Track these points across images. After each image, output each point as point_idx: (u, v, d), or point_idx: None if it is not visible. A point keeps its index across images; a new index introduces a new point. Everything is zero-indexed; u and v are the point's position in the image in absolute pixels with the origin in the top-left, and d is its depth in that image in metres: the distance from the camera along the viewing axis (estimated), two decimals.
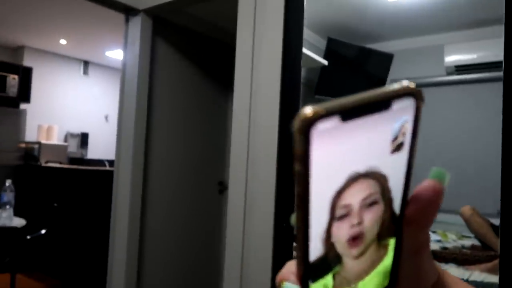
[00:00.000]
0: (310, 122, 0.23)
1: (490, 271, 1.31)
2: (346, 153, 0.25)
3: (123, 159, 2.34)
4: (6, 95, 4.91)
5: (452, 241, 1.62)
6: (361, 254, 0.30)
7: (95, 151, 6.06)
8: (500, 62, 1.21)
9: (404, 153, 0.28)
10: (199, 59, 2.76)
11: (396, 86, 0.26)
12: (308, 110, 0.23)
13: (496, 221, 1.21)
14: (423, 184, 0.29)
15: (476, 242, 1.52)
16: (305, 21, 1.59)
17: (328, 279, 0.30)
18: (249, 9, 1.72)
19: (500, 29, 1.18)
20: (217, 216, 2.86)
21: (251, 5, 1.72)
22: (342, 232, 0.28)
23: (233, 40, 1.82)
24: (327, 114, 0.23)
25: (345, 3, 2.01)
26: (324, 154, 0.24)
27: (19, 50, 5.51)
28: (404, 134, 0.27)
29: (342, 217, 0.28)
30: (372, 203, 0.28)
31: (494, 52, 1.28)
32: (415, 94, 0.27)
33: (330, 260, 0.29)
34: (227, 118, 2.89)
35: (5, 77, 4.89)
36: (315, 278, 0.29)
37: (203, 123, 2.83)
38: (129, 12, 2.34)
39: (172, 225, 2.61)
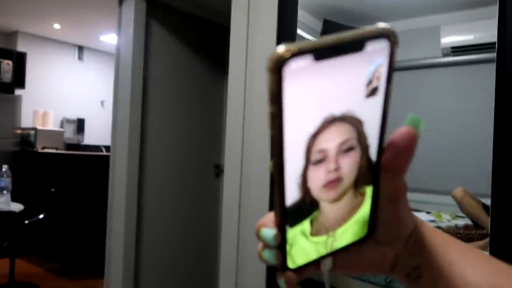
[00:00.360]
0: (283, 61, 0.23)
1: (482, 248, 1.33)
2: (320, 94, 0.25)
3: (119, 144, 2.34)
4: (1, 81, 4.86)
5: (446, 221, 1.64)
6: (338, 199, 0.30)
7: (91, 137, 6.04)
8: None
9: (379, 98, 0.28)
10: (194, 42, 2.74)
11: (370, 27, 0.26)
12: (280, 49, 0.23)
13: (489, 201, 1.23)
14: (398, 131, 0.29)
15: (469, 222, 1.53)
16: (300, 3, 1.58)
17: (306, 225, 0.30)
18: None
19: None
20: (214, 199, 2.87)
21: None
22: (318, 177, 0.28)
23: (227, 22, 1.80)
24: (300, 52, 0.23)
25: None
26: (298, 94, 0.24)
27: (12, 35, 5.44)
28: (378, 78, 0.27)
29: (318, 162, 0.27)
30: (349, 149, 0.28)
31: (491, 32, 1.27)
32: (390, 36, 0.26)
33: (307, 205, 0.29)
34: (223, 101, 2.88)
35: None
36: (293, 224, 0.29)
37: (199, 106, 2.82)
38: None
39: (169, 208, 2.62)
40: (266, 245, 0.30)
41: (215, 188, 2.88)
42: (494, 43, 1.26)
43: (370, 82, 0.27)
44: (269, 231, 0.29)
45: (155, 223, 2.52)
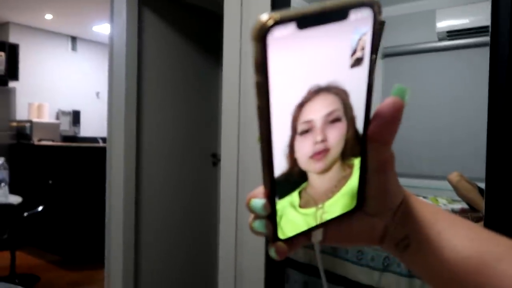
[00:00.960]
0: (266, 29, 0.23)
1: None
2: (305, 63, 0.25)
3: (115, 135, 2.33)
4: None
5: (443, 205, 1.65)
6: (326, 170, 0.30)
7: (88, 129, 6.02)
8: None
9: (364, 69, 0.27)
10: (187, 30, 2.71)
11: None
12: (263, 17, 0.23)
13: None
14: (384, 101, 0.29)
15: (465, 206, 1.55)
16: None
17: (294, 197, 0.30)
18: None
19: None
20: (212, 188, 2.88)
21: None
22: (305, 148, 0.28)
23: (221, 9, 1.78)
24: (283, 20, 0.23)
25: None
26: (283, 63, 0.24)
27: (4, 26, 5.37)
28: (363, 47, 0.27)
29: (305, 132, 0.28)
30: (335, 120, 0.28)
31: (487, 16, 1.26)
32: (373, 5, 0.26)
33: (295, 176, 0.29)
34: (218, 89, 2.87)
35: None
36: (282, 195, 0.29)
37: (195, 95, 2.80)
38: None
39: (167, 197, 2.63)
40: (257, 216, 0.30)
41: (213, 177, 2.88)
42: (489, 27, 1.25)
43: (354, 51, 0.26)
44: (259, 201, 0.29)
45: (154, 213, 2.52)
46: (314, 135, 0.28)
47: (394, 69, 2.08)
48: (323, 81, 0.26)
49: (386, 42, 2.03)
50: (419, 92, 1.97)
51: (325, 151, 0.29)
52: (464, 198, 1.51)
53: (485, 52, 1.21)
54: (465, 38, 1.93)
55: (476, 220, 1.38)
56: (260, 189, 0.30)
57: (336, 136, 0.29)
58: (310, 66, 0.25)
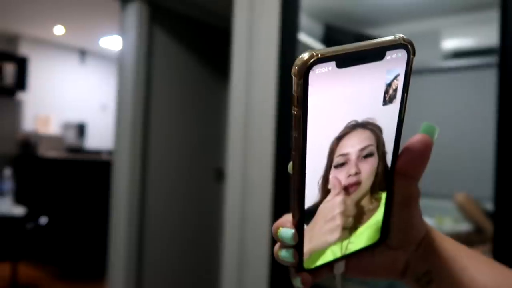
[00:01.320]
0: (308, 66, 0.24)
1: (484, 253, 1.33)
2: (342, 100, 0.26)
3: (121, 148, 2.34)
4: (3, 85, 4.88)
5: (449, 225, 1.64)
6: (356, 203, 0.31)
7: (93, 141, 6.05)
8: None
9: (395, 106, 0.29)
10: (196, 46, 2.75)
11: (390, 37, 0.27)
12: (306, 54, 0.24)
13: (491, 205, 1.22)
14: (414, 138, 0.30)
15: (471, 227, 1.53)
16: (302, 7, 1.58)
17: None
18: None
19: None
20: (215, 203, 2.87)
21: None
22: (339, 179, 0.29)
23: (229, 26, 1.81)
24: (324, 58, 0.24)
25: None
26: (321, 99, 0.25)
27: (14, 39, 5.46)
28: (396, 86, 0.28)
29: (340, 165, 0.29)
30: (368, 155, 0.30)
31: (492, 37, 1.27)
32: (408, 46, 0.27)
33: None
34: (225, 105, 2.89)
35: (1, 66, 4.86)
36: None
37: (201, 111, 2.82)
38: None
39: (171, 212, 2.62)
40: (283, 245, 0.30)
41: (217, 193, 2.88)
42: (495, 47, 1.26)
43: (388, 90, 0.28)
44: (288, 231, 0.30)
45: (158, 227, 2.52)
46: (348, 168, 0.29)
47: None
48: (359, 117, 0.28)
49: None
50: (425, 111, 1.98)
51: (357, 184, 0.30)
52: (470, 219, 1.50)
53: (491, 73, 1.22)
54: (470, 58, 1.94)
55: (482, 242, 1.37)
56: (288, 218, 0.30)
57: (368, 170, 0.30)
58: (346, 102, 0.26)
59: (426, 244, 0.33)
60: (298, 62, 0.24)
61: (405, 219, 0.32)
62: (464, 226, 1.56)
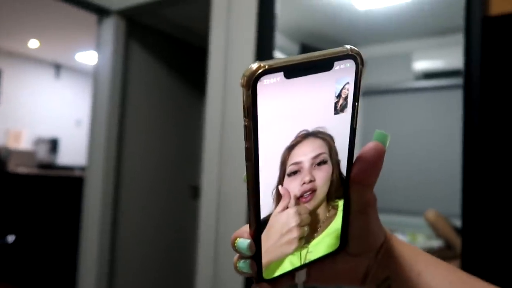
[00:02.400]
0: (256, 76, 0.24)
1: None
2: (292, 109, 0.26)
3: (94, 164, 2.29)
4: None
5: (421, 242, 1.66)
6: (312, 212, 0.31)
7: (66, 157, 5.90)
8: None
9: (347, 115, 0.29)
10: (173, 63, 2.75)
11: (338, 48, 0.28)
12: (253, 65, 0.24)
13: (460, 221, 1.25)
14: (366, 146, 0.30)
15: (443, 243, 1.56)
16: (278, 26, 1.61)
17: None
18: (221, 13, 1.73)
19: None
20: (191, 222, 2.83)
21: (223, 9, 1.73)
22: (293, 188, 0.29)
23: (206, 44, 1.82)
24: (271, 69, 0.24)
25: (317, 10, 2.05)
26: (271, 109, 0.25)
27: None
28: (346, 96, 0.28)
29: (293, 173, 0.29)
30: (322, 163, 0.30)
31: (460, 59, 1.32)
32: (356, 57, 0.28)
33: None
34: (200, 122, 2.89)
35: None
36: None
37: (176, 127, 2.81)
38: (101, 13, 2.31)
39: (145, 230, 2.57)
40: (241, 256, 0.30)
41: (193, 210, 2.84)
42: (462, 69, 1.31)
43: (338, 99, 0.28)
44: (244, 241, 0.29)
45: (130, 247, 2.46)
46: (302, 176, 0.29)
47: (373, 107, 2.14)
48: (310, 127, 0.28)
49: (366, 80, 2.10)
50: (397, 129, 2.03)
51: (312, 192, 0.30)
52: (440, 236, 1.54)
53: (458, 93, 1.26)
54: (439, 79, 2.02)
55: (452, 258, 1.40)
56: (245, 229, 0.30)
57: (322, 177, 0.30)
58: (297, 112, 0.27)
59: (386, 250, 0.34)
60: (246, 73, 0.24)
61: (363, 226, 0.32)
62: (437, 243, 1.59)
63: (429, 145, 1.99)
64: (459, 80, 1.62)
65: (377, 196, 0.33)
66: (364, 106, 2.13)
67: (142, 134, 2.55)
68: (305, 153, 0.28)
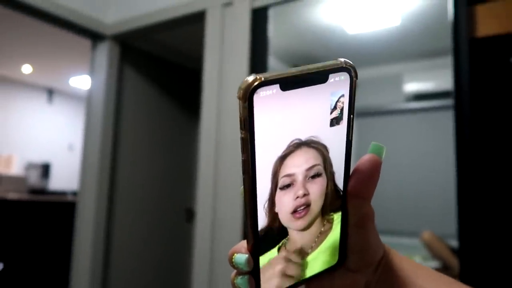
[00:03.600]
0: (252, 89, 0.24)
1: None
2: (287, 121, 0.26)
3: (87, 189, 2.27)
4: None
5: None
6: (307, 227, 0.30)
7: (58, 182, 5.83)
8: None
9: (343, 128, 0.29)
10: (166, 86, 2.77)
11: (332, 61, 0.28)
12: (250, 78, 0.24)
13: (456, 242, 1.25)
14: (362, 158, 0.30)
15: (439, 264, 1.55)
16: (270, 49, 1.64)
17: (274, 253, 0.29)
18: (215, 37, 1.76)
19: None
20: (185, 244, 2.79)
21: (217, 34, 1.75)
22: (286, 202, 0.28)
23: (200, 67, 1.84)
24: (267, 82, 0.25)
25: (309, 33, 2.09)
26: (267, 121, 0.25)
27: None
28: (341, 108, 0.29)
29: (286, 186, 0.28)
30: (316, 175, 0.29)
31: (449, 81, 1.35)
32: (350, 70, 0.28)
33: (275, 232, 0.29)
34: (194, 145, 2.88)
35: None
36: (264, 251, 0.29)
37: (170, 151, 2.80)
38: (95, 38, 2.33)
39: (138, 255, 2.52)
40: (239, 272, 0.29)
41: (186, 233, 2.80)
42: (451, 90, 1.34)
43: (333, 112, 0.28)
44: (242, 256, 0.28)
45: (123, 273, 2.40)
46: (295, 189, 0.28)
47: (365, 128, 2.16)
48: (303, 136, 0.28)
49: (357, 102, 2.13)
50: (389, 151, 2.04)
51: (307, 208, 0.29)
52: (436, 257, 1.53)
53: (450, 114, 1.28)
54: (430, 101, 2.05)
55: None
56: (243, 244, 0.29)
57: (317, 190, 0.29)
58: (292, 124, 0.27)
59: (385, 265, 0.33)
60: (242, 85, 0.24)
61: (362, 240, 0.32)
62: (433, 264, 1.58)
63: (422, 166, 2.00)
64: (449, 101, 1.65)
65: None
66: (356, 128, 2.14)
67: (136, 157, 2.53)
68: (298, 165, 0.28)
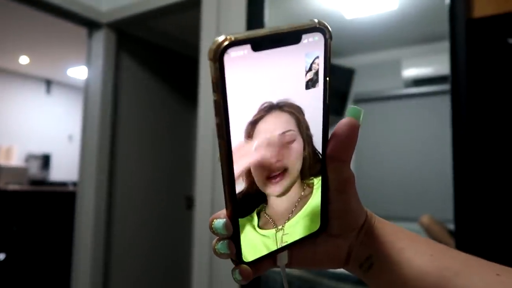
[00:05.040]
0: (222, 49, 0.23)
1: None
2: (260, 83, 0.25)
3: (87, 179, 2.27)
4: None
5: None
6: (284, 193, 0.29)
7: (58, 173, 5.84)
8: None
9: (319, 90, 0.28)
10: (164, 74, 2.76)
11: (305, 21, 0.27)
12: (219, 38, 0.24)
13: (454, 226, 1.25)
14: (340, 122, 0.30)
15: None
16: None
17: (254, 217, 0.29)
18: (211, 23, 1.74)
19: None
20: (186, 232, 2.81)
21: (213, 18, 1.74)
22: (261, 169, 0.27)
23: (196, 53, 1.83)
24: (238, 42, 0.24)
25: (305, 18, 2.07)
26: (238, 82, 0.24)
27: None
28: (316, 70, 0.28)
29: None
30: (291, 139, 0.28)
31: (447, 65, 1.34)
32: (324, 30, 0.28)
33: (253, 197, 0.28)
34: (193, 133, 2.88)
35: None
36: (242, 215, 0.28)
37: (169, 139, 2.80)
38: (91, 26, 2.31)
39: (139, 244, 2.53)
40: (220, 238, 0.29)
41: (187, 221, 2.82)
42: (449, 75, 1.33)
43: (308, 73, 0.27)
44: (220, 221, 0.28)
45: (125, 261, 2.42)
46: (269, 155, 0.28)
47: (364, 114, 2.15)
48: (276, 100, 0.27)
49: (356, 88, 2.12)
50: (388, 136, 2.04)
51: (283, 173, 0.29)
52: (436, 240, 1.53)
53: (448, 98, 1.28)
54: (429, 86, 2.04)
55: None
56: (223, 211, 0.29)
57: (292, 155, 0.29)
58: (265, 86, 0.26)
59: (367, 229, 0.33)
60: (212, 46, 0.24)
61: (343, 205, 0.31)
62: None
63: (421, 151, 2.00)
64: (447, 86, 1.64)
65: (371, 203, 0.32)
66: None
67: (135, 146, 2.53)
68: (270, 130, 0.27)
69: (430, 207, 1.81)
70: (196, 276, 1.65)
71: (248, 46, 0.24)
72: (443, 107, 1.85)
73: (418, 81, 2.07)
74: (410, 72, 2.09)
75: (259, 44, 0.25)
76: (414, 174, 1.97)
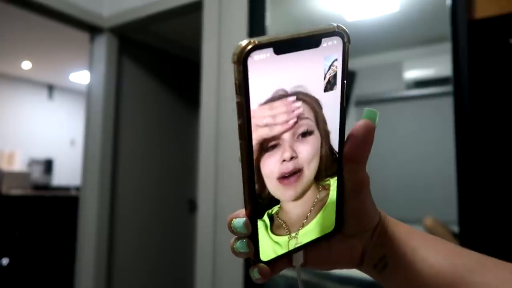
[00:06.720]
0: (247, 52, 0.24)
1: None
2: (281, 85, 0.26)
3: (89, 183, 2.27)
4: None
5: None
6: (299, 197, 0.28)
7: (61, 177, 5.85)
8: None
9: (336, 93, 0.29)
10: (166, 78, 2.76)
11: (324, 25, 0.28)
12: (243, 42, 0.24)
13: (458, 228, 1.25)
14: (357, 124, 0.30)
15: None
16: None
17: (266, 220, 0.29)
18: (213, 26, 1.75)
19: None
20: (188, 235, 2.80)
21: (215, 22, 1.74)
22: (270, 167, 0.26)
23: (198, 57, 1.83)
24: (261, 45, 0.25)
25: (307, 20, 2.08)
26: (261, 84, 0.25)
27: None
28: (335, 73, 0.28)
29: (271, 148, 0.26)
30: (306, 133, 0.27)
31: (449, 67, 1.34)
32: (343, 34, 0.28)
33: (265, 200, 0.28)
34: (195, 136, 2.88)
35: None
36: (261, 216, 0.28)
37: (172, 142, 2.80)
38: (93, 31, 2.32)
39: (142, 248, 2.53)
40: (238, 237, 0.29)
41: (190, 224, 2.81)
42: (451, 77, 1.33)
43: (327, 76, 0.28)
44: (240, 220, 0.28)
45: (127, 264, 2.42)
46: (281, 152, 0.27)
47: None
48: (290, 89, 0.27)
49: (358, 90, 2.12)
50: (391, 138, 2.03)
51: (297, 173, 0.27)
52: None
53: (450, 100, 1.28)
54: (431, 87, 2.03)
55: None
56: (242, 210, 0.29)
57: (309, 152, 0.27)
58: (285, 88, 0.26)
59: (381, 230, 0.34)
60: (236, 50, 0.24)
61: (359, 205, 0.32)
62: None
63: (423, 153, 2.00)
64: (450, 88, 1.64)
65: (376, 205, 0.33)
66: (357, 116, 2.13)
67: (137, 151, 2.53)
68: (281, 115, 0.25)
69: (433, 209, 1.80)
70: (199, 279, 1.65)
71: (271, 50, 0.25)
72: (445, 108, 1.84)
73: (420, 83, 2.07)
74: (412, 74, 2.09)
75: (281, 48, 0.25)
76: (417, 176, 1.97)
